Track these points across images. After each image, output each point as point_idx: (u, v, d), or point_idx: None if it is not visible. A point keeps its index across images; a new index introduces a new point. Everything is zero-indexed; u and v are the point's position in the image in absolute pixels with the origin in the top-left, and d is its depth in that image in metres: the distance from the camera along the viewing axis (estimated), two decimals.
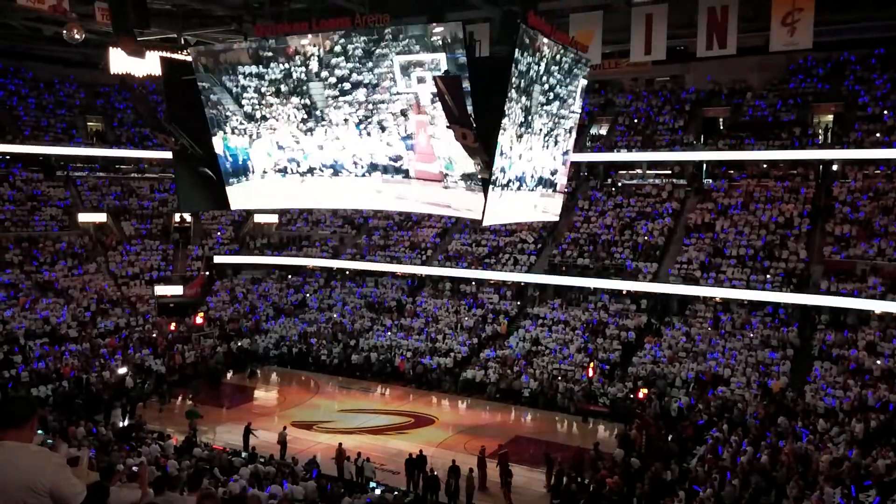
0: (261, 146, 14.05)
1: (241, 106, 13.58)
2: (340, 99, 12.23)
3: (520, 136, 12.17)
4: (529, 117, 12.20)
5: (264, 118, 13.55)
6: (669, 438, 24.14)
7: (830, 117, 37.74)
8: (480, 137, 11.03)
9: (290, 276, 44.92)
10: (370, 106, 11.87)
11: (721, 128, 40.06)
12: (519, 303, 37.87)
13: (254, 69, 12.94)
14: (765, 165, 37.81)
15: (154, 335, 36.01)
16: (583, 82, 13.43)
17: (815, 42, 21.14)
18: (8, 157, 42.90)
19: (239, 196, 15.14)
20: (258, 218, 46.15)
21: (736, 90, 40.40)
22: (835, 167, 36.25)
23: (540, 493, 21.69)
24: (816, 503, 16.53)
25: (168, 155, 17.83)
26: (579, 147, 37.99)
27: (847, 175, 35.47)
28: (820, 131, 36.67)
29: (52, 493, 3.95)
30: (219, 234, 46.02)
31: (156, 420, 27.83)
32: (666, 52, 22.26)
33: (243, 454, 22.81)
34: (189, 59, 14.91)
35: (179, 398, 31.25)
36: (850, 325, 30.39)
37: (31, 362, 30.87)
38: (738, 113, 39.26)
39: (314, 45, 11.97)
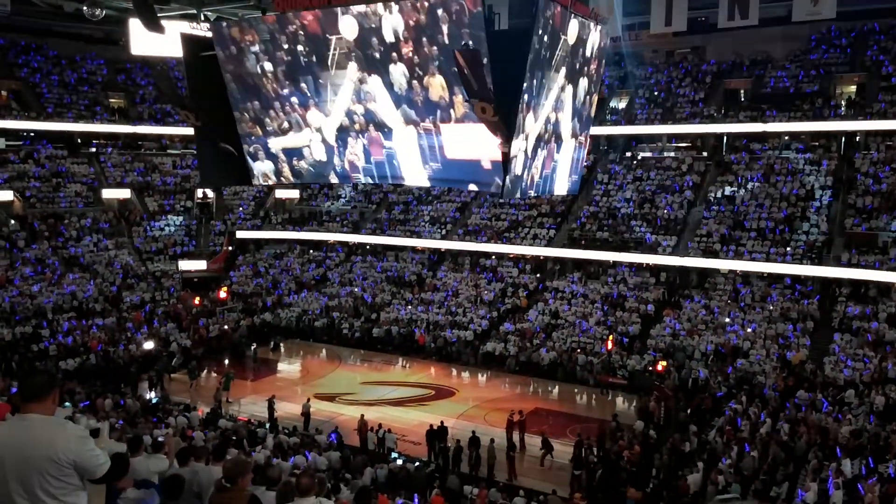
0: None
1: None
2: None
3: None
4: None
5: None
6: (688, 411, 24.26)
7: (853, 88, 37.32)
8: (500, 111, 11.09)
9: (311, 251, 45.22)
10: None
11: (742, 100, 39.72)
12: (538, 276, 37.96)
13: None
14: (786, 137, 37.46)
15: (179, 309, 36.51)
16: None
17: (838, 11, 20.99)
18: (32, 135, 43.38)
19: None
20: (279, 193, 46.43)
21: (757, 61, 39.99)
22: (857, 138, 35.86)
23: (558, 464, 21.93)
24: (835, 474, 16.62)
25: (190, 131, 18.00)
26: (599, 120, 37.85)
27: (869, 146, 35.13)
28: (842, 102, 36.26)
29: (75, 464, 4.06)
30: (241, 209, 46.39)
31: (183, 392, 28.35)
32: (687, 24, 22.16)
33: (267, 425, 23.22)
34: (209, 35, 15.02)
35: (213, 373, 31.72)
36: (870, 298, 30.25)
37: (59, 336, 31.47)
38: (760, 84, 38.89)
39: None
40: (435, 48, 11.13)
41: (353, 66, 12.16)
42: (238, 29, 13.25)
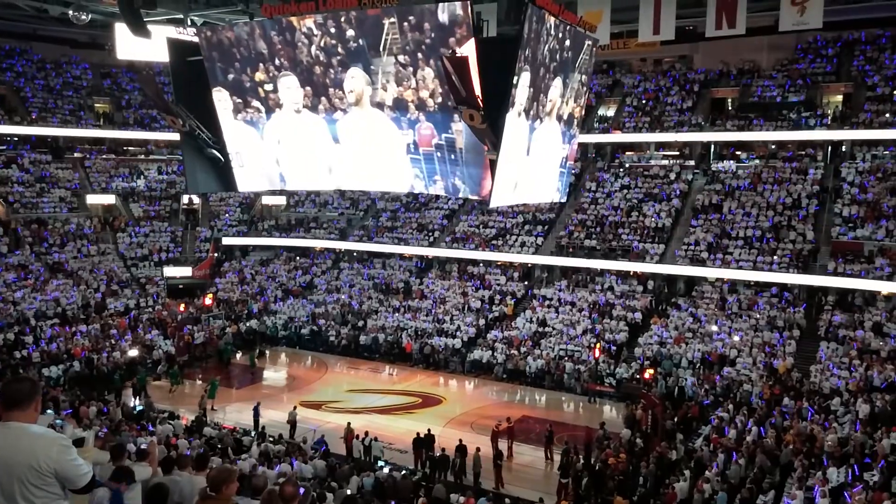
0: None
1: None
2: None
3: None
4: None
5: None
6: (674, 419, 24.24)
7: (839, 98, 37.54)
8: (488, 118, 11.04)
9: (298, 258, 45.02)
10: None
11: (729, 108, 39.89)
12: (526, 284, 37.91)
13: None
14: (773, 146, 37.68)
15: (164, 316, 36.22)
16: None
17: (825, 21, 21.04)
18: (16, 139, 43.07)
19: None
20: (266, 200, 46.24)
21: (744, 71, 40.19)
22: (843, 148, 36.06)
23: (545, 472, 21.88)
24: (820, 482, 16.61)
25: (176, 137, 17.91)
26: (587, 128, 37.91)
27: (855, 156, 35.31)
28: (829, 112, 36.47)
29: (56, 473, 3.99)
30: (227, 215, 46.15)
31: (166, 400, 28.09)
32: (675, 32, 22.18)
33: (253, 433, 23.02)
34: (195, 39, 14.93)
35: (198, 380, 31.46)
36: (856, 306, 30.38)
37: (42, 343, 31.12)
38: (747, 93, 39.06)
39: None
40: None
41: None
42: None
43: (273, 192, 43.69)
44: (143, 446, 9.16)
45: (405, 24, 11.46)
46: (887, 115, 33.60)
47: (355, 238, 42.75)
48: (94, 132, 45.10)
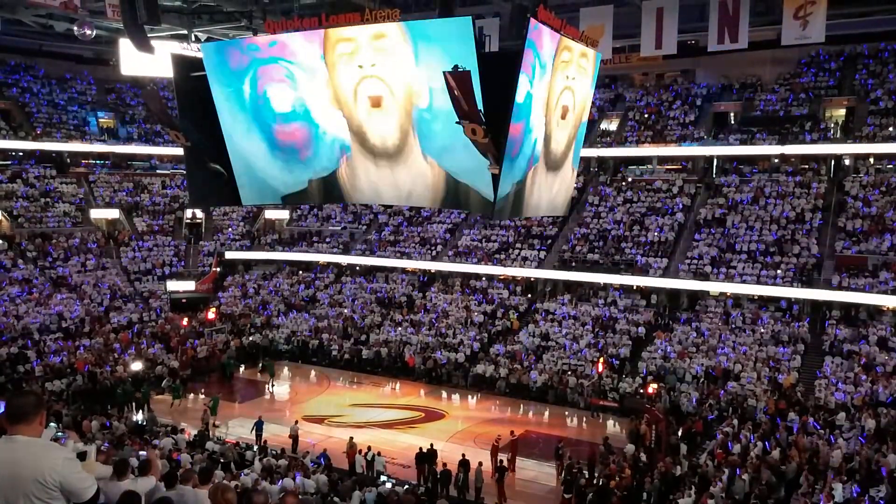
0: None
1: None
2: None
3: None
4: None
5: None
6: (679, 434, 24.11)
7: (842, 112, 37.57)
8: (490, 133, 11.04)
9: (300, 272, 45.00)
10: None
11: (732, 122, 39.94)
12: (529, 298, 37.84)
13: None
14: (776, 160, 37.65)
15: (167, 330, 36.20)
16: None
17: (827, 35, 21.12)
18: (21, 154, 43.27)
19: None
20: (269, 214, 46.30)
21: (747, 85, 40.28)
22: (847, 162, 36.06)
23: (549, 487, 21.76)
24: (826, 498, 16.50)
25: (179, 151, 17.94)
26: (589, 142, 37.98)
27: (859, 170, 35.33)
28: (832, 126, 36.49)
29: (61, 486, 4.00)
30: (230, 229, 46.21)
31: (168, 414, 28.03)
32: (677, 47, 22.28)
33: (255, 448, 22.94)
34: (199, 55, 14.98)
35: (201, 395, 31.42)
36: (861, 321, 30.26)
37: (46, 357, 31.13)
38: (750, 107, 39.13)
39: None
40: None
41: None
42: None
43: (276, 206, 43.81)
44: (141, 454, 9.14)
45: None
46: (890, 128, 33.69)
47: (358, 252, 42.74)
48: (98, 147, 45.31)
